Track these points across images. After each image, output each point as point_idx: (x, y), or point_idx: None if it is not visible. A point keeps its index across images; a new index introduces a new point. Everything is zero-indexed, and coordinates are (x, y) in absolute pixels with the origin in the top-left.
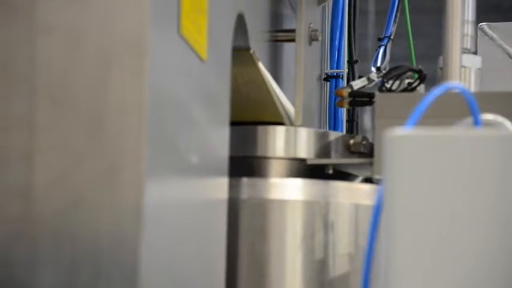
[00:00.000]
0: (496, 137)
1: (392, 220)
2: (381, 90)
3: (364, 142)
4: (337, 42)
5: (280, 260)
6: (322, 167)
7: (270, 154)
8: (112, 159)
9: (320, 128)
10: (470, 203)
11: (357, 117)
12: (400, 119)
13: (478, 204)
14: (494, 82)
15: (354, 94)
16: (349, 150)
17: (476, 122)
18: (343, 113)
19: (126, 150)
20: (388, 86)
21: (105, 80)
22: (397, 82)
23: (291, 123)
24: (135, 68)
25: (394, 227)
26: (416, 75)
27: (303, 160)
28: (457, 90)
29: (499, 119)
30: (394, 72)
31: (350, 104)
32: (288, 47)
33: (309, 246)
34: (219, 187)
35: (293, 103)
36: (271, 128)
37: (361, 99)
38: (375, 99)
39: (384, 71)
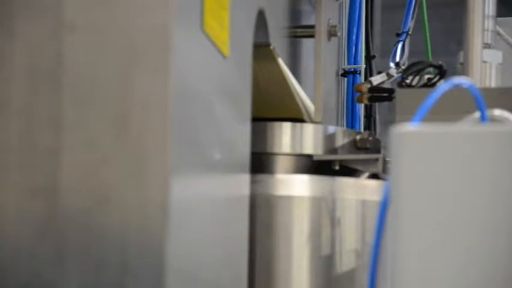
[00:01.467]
0: (502, 132)
1: (399, 216)
2: (400, 85)
3: (371, 138)
4: (354, 37)
5: (287, 256)
6: (329, 163)
7: (276, 150)
8: (138, 156)
9: (337, 123)
10: (477, 199)
11: (375, 113)
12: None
13: (485, 200)
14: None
15: (373, 90)
16: (356, 146)
17: (483, 118)
18: (360, 108)
19: (152, 148)
20: (408, 81)
21: (130, 78)
22: (417, 77)
23: (311, 120)
24: (160, 66)
25: (400, 222)
26: (433, 71)
27: (309, 156)
28: (464, 86)
29: (505, 114)
30: (414, 68)
31: (369, 99)
32: (306, 42)
33: (315, 242)
34: (241, 183)
35: (312, 99)
36: (277, 124)
37: (381, 94)
38: (395, 94)
39: (402, 67)
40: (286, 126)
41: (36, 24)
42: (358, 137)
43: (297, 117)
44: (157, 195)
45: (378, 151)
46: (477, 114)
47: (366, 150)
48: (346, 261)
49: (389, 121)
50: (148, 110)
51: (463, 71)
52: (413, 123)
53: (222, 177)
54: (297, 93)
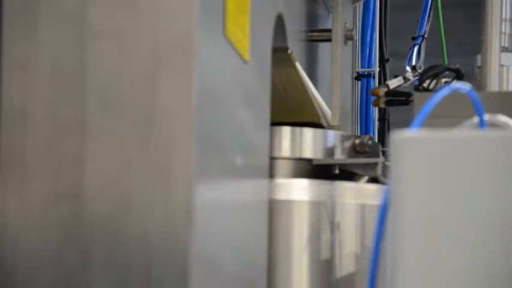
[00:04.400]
0: (500, 138)
1: (398, 220)
2: (417, 89)
3: (370, 142)
4: (368, 40)
5: (287, 260)
6: (328, 167)
7: (276, 154)
8: (162, 162)
9: (352, 127)
10: (476, 203)
11: (389, 116)
12: (437, 119)
13: (484, 205)
14: None
15: (390, 93)
16: (355, 150)
17: (482, 123)
18: (374, 111)
19: (176, 153)
20: (425, 85)
21: (154, 83)
22: (434, 81)
23: (328, 124)
24: (184, 71)
25: (400, 227)
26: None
27: (308, 160)
28: (463, 91)
29: (504, 119)
30: (431, 72)
31: (386, 103)
32: (321, 46)
33: (315, 246)
34: (262, 188)
35: (327, 103)
36: (277, 128)
37: (398, 98)
38: (413, 98)
39: (419, 70)
40: (286, 130)
41: (61, 31)
42: (357, 141)
43: (315, 122)
44: (181, 200)
45: (377, 155)
46: (476, 119)
47: (365, 154)
48: (345, 265)
49: (404, 124)
50: (173, 115)
51: (481, 74)
52: (412, 129)
53: (244, 182)
54: (314, 98)
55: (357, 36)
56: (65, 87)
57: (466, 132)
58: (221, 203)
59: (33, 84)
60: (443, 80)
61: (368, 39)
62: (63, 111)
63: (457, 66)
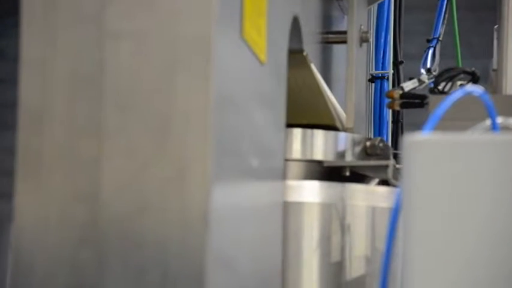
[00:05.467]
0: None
1: (410, 223)
2: (432, 92)
3: (381, 144)
4: (382, 42)
5: (297, 262)
6: (339, 169)
7: (286, 156)
8: (178, 163)
9: (366, 129)
10: (488, 206)
11: (402, 118)
12: (453, 121)
13: (497, 208)
14: None
15: (405, 96)
16: (366, 152)
17: (495, 126)
18: (388, 114)
19: (192, 155)
20: (440, 87)
21: (171, 85)
22: (449, 84)
23: (343, 126)
24: (201, 73)
25: (412, 229)
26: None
27: (319, 162)
28: (476, 94)
29: None
30: (446, 74)
31: (401, 106)
32: (336, 48)
33: (325, 249)
34: (277, 190)
35: (342, 105)
36: (288, 130)
37: (413, 101)
38: (428, 101)
39: (434, 73)
40: (297, 132)
41: (80, 33)
42: (368, 143)
43: (330, 124)
44: (197, 202)
45: (388, 157)
46: (488, 122)
47: (376, 156)
48: (356, 268)
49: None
50: (190, 117)
51: (496, 77)
52: (424, 132)
53: (260, 184)
54: (329, 100)
55: (371, 38)
56: (82, 89)
57: (477, 136)
58: (237, 204)
59: (51, 85)
60: (459, 82)
61: (382, 41)
62: (81, 112)
63: (473, 69)
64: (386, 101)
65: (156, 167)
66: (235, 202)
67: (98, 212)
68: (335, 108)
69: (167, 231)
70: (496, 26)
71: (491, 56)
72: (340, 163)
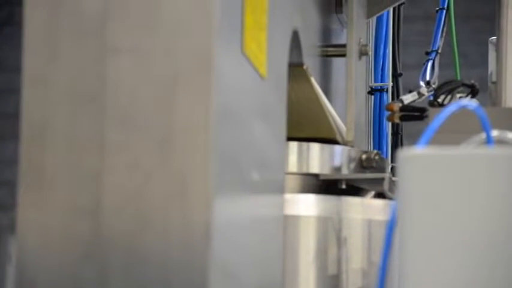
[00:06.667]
0: (504, 155)
1: (406, 236)
2: (432, 104)
3: (377, 157)
4: (381, 55)
5: (294, 275)
6: (335, 182)
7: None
8: (180, 178)
9: (365, 142)
10: (482, 220)
11: (401, 130)
12: (452, 134)
13: (491, 221)
14: None
15: (404, 109)
16: (362, 165)
17: (489, 140)
18: (387, 126)
19: (194, 169)
20: (439, 100)
21: (172, 100)
22: (449, 97)
23: (343, 139)
24: (202, 87)
25: (408, 242)
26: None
27: (315, 175)
28: (471, 108)
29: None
30: (446, 87)
31: (401, 118)
32: (335, 61)
33: (322, 262)
34: (278, 204)
35: (342, 118)
36: None
37: (412, 113)
38: (427, 114)
39: (433, 85)
40: (293, 146)
41: (81, 48)
42: (364, 156)
43: (330, 137)
44: (200, 216)
45: (384, 170)
46: (483, 135)
47: (372, 169)
48: (352, 281)
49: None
50: (191, 131)
51: (496, 90)
52: (419, 145)
53: (261, 198)
54: (330, 113)
55: (370, 51)
56: (84, 103)
57: (471, 150)
58: (239, 218)
59: (53, 100)
60: (458, 95)
61: (381, 53)
62: (82, 127)
63: (472, 81)
64: (386, 113)
65: (157, 181)
66: (237, 216)
67: (100, 226)
68: (335, 121)
69: (169, 246)
70: (491, 38)
71: (487, 66)
72: (336, 176)
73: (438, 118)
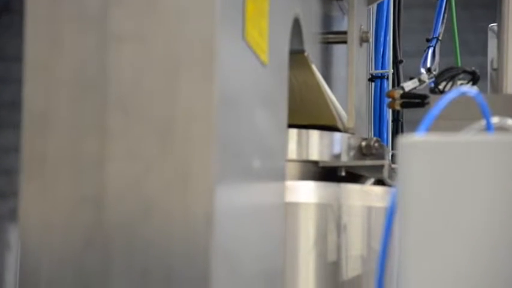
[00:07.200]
0: (503, 141)
1: (406, 223)
2: (433, 91)
3: (376, 144)
4: (382, 42)
5: (293, 262)
6: (335, 169)
7: None
8: (182, 165)
9: (366, 128)
10: (483, 206)
11: (402, 117)
12: (453, 121)
13: (491, 207)
14: None
15: (405, 96)
16: (362, 152)
17: (489, 126)
18: (388, 113)
19: (196, 157)
20: (440, 87)
21: (174, 87)
22: (450, 83)
23: (344, 126)
24: (204, 74)
25: (407, 229)
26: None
27: (315, 162)
28: (470, 95)
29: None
30: (447, 74)
31: (402, 105)
32: (336, 48)
33: (322, 249)
34: (280, 191)
35: (343, 105)
36: None
37: (413, 100)
38: (428, 100)
39: (434, 72)
40: (292, 133)
41: (83, 36)
42: (363, 143)
43: (331, 124)
44: (201, 204)
45: (383, 157)
46: (483, 122)
47: (371, 156)
48: (352, 267)
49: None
50: (193, 118)
51: (497, 77)
52: (419, 132)
53: (263, 185)
54: (331, 100)
55: (371, 38)
56: (86, 91)
57: (470, 136)
58: (241, 205)
59: (55, 87)
60: (459, 82)
61: (382, 40)
62: (84, 114)
63: (473, 68)
64: (387, 100)
65: (159, 169)
66: (238, 203)
67: (102, 214)
68: (336, 108)
69: (171, 233)
70: (490, 25)
71: (487, 53)
72: (335, 163)
73: (438, 105)
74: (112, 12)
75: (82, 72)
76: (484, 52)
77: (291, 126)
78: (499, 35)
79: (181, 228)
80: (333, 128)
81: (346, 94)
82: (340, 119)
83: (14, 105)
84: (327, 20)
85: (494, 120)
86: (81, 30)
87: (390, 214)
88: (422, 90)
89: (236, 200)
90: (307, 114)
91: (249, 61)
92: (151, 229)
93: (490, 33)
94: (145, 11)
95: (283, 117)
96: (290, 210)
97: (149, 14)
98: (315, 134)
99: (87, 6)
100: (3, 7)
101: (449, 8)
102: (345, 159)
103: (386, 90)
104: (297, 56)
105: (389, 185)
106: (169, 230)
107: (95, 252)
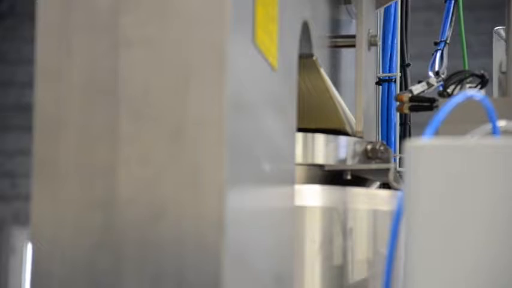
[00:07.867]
0: (510, 145)
1: (412, 226)
2: (441, 95)
3: (382, 148)
4: (389, 45)
5: (299, 266)
6: (340, 173)
7: None
8: (193, 169)
9: (375, 132)
10: (489, 210)
11: (410, 121)
12: (462, 124)
13: (497, 211)
14: None
15: (414, 99)
16: (367, 156)
17: (495, 130)
18: (395, 116)
19: (207, 161)
20: (449, 91)
21: (185, 92)
22: (458, 87)
23: (352, 130)
24: (215, 79)
25: (414, 233)
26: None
27: (321, 166)
28: (477, 98)
29: None
30: (455, 77)
31: (410, 109)
32: (344, 52)
33: (327, 252)
34: (290, 195)
35: (351, 109)
36: None
37: (422, 104)
38: (437, 104)
39: (442, 76)
40: (298, 136)
41: (94, 41)
42: (369, 147)
43: (339, 128)
44: (212, 208)
45: (389, 160)
46: (489, 125)
47: (377, 159)
48: (358, 271)
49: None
50: (204, 123)
51: (506, 80)
52: (426, 136)
53: (273, 188)
54: (339, 104)
55: (379, 41)
56: (97, 96)
57: (477, 140)
58: (252, 209)
59: (66, 93)
60: (468, 85)
61: (389, 43)
62: (96, 120)
63: (482, 71)
64: (394, 103)
65: (170, 173)
66: (249, 207)
67: (114, 218)
68: (345, 112)
69: (183, 237)
70: (495, 28)
71: (491, 55)
72: (341, 167)
73: (444, 109)
74: (122, 18)
75: (93, 78)
76: (487, 54)
77: (300, 130)
78: (507, 37)
79: (192, 231)
80: (341, 132)
81: (355, 98)
82: (349, 123)
83: (18, 108)
84: (335, 23)
85: (500, 123)
86: (91, 35)
87: (397, 217)
88: (431, 93)
89: (247, 204)
90: (316, 118)
91: (260, 66)
92: (162, 232)
93: (495, 36)
94: (156, 16)
95: (293, 121)
96: (296, 213)
97: (159, 19)
98: (320, 138)
99: (98, 12)
100: (7, 11)
101: (456, 10)
102: (350, 163)
103: (393, 94)
104: (306, 60)
105: (395, 189)
106: (180, 233)
107: (106, 256)
